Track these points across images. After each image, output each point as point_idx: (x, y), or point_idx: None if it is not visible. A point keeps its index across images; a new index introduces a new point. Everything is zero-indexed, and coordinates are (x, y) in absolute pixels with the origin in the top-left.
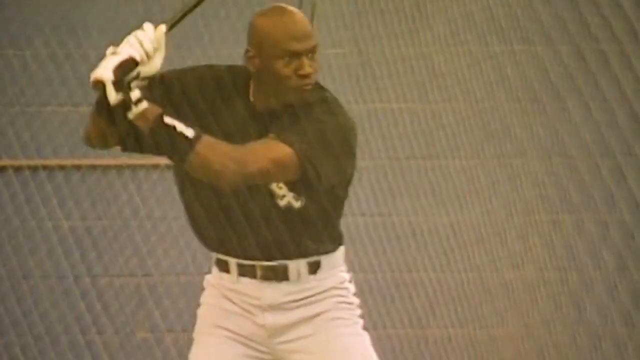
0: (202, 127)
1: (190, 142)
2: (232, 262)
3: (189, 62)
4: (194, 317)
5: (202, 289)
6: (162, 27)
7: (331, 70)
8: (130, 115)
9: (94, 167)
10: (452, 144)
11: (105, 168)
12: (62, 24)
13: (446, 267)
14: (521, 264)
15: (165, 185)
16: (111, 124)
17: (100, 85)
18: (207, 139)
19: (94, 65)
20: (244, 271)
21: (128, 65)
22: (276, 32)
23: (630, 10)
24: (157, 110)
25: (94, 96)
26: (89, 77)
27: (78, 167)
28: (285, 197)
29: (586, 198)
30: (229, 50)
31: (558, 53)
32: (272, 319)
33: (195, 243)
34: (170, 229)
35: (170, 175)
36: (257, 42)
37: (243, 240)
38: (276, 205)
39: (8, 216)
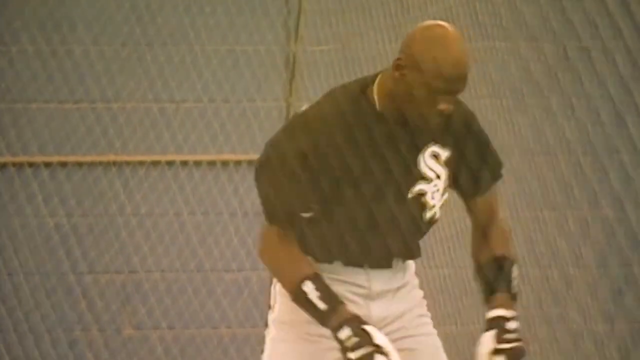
0: (363, 167)
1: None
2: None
3: (175, 59)
4: (180, 314)
5: (186, 286)
6: None
7: (317, 66)
8: None
9: (79, 164)
10: None
11: (91, 165)
12: (48, 20)
13: (427, 263)
14: None
15: (152, 182)
16: None
17: None
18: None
19: (79, 62)
20: (351, 261)
21: None
22: (440, 68)
23: (614, 7)
24: None
25: (79, 92)
26: (74, 74)
27: (64, 164)
28: (434, 208)
29: (568, 195)
30: (214, 47)
31: (540, 50)
32: (377, 309)
33: (181, 240)
34: (156, 225)
35: (156, 172)
36: (414, 61)
37: (386, 249)
38: (424, 218)
39: None
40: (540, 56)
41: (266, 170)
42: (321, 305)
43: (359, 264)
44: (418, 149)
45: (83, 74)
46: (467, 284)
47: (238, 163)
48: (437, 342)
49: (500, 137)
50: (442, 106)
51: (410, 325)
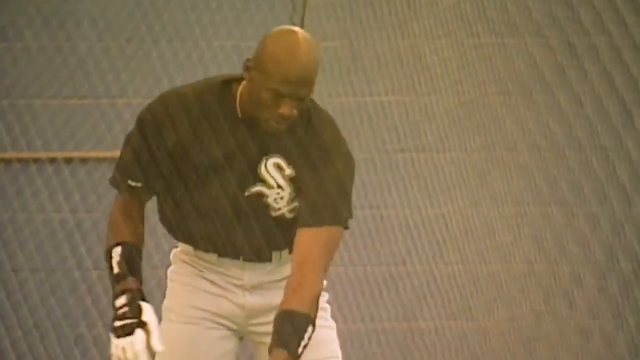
0: (202, 155)
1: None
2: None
3: (181, 55)
4: None
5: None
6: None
7: (322, 63)
8: None
9: (84, 160)
10: (442, 137)
11: (96, 161)
12: (52, 16)
13: (435, 259)
14: (510, 257)
15: None
16: None
17: None
18: (307, 314)
19: (84, 58)
20: (222, 252)
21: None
22: (279, 67)
23: (621, 3)
24: None
25: (83, 88)
26: (79, 70)
27: (68, 160)
28: (280, 210)
29: (576, 191)
30: (220, 42)
31: (548, 45)
32: (252, 299)
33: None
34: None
35: None
36: (260, 62)
37: (233, 240)
38: (268, 215)
39: None
40: (548, 52)
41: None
42: (116, 269)
43: (233, 256)
44: (262, 154)
45: (88, 70)
46: (478, 280)
47: None
48: (325, 336)
49: (508, 133)
50: (284, 109)
51: None
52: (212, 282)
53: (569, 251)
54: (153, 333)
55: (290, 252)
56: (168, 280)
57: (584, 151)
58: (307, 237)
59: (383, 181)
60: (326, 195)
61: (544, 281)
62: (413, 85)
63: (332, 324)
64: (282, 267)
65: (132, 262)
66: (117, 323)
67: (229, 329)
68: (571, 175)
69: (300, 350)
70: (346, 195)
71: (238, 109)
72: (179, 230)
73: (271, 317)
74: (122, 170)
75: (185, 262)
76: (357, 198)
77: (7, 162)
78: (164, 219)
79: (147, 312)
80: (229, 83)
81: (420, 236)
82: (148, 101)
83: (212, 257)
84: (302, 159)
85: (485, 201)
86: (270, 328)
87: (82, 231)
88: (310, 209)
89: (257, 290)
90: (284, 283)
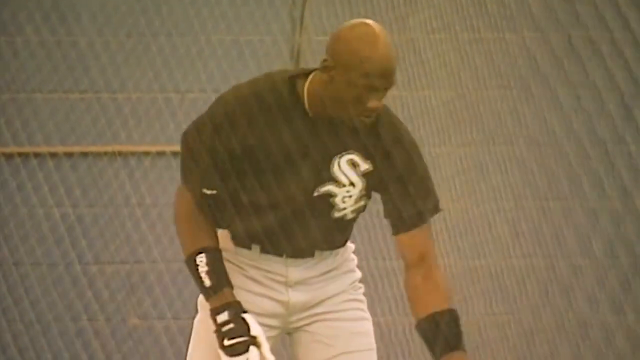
0: (272, 156)
1: None
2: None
3: (181, 50)
4: (185, 304)
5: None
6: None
7: (321, 57)
8: None
9: (85, 155)
10: (439, 131)
11: (97, 155)
12: (53, 11)
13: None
14: (509, 251)
15: (157, 173)
16: None
17: None
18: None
19: (84, 52)
20: (267, 249)
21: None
22: (368, 64)
23: None
24: None
25: (84, 83)
26: (79, 65)
27: (69, 155)
28: (345, 210)
29: (575, 185)
30: (219, 37)
31: (547, 40)
32: (295, 295)
33: None
34: (161, 216)
35: (161, 162)
36: (343, 60)
37: (288, 239)
38: (330, 215)
39: None
40: (547, 47)
41: (185, 139)
42: (207, 281)
43: (277, 253)
44: (335, 153)
45: (88, 64)
46: (473, 272)
47: None
48: (360, 328)
49: (507, 127)
50: (372, 104)
51: (335, 309)
52: (253, 279)
53: (567, 245)
54: (264, 346)
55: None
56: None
57: (583, 145)
58: (419, 237)
59: None
60: (419, 189)
61: (543, 275)
62: (411, 80)
63: (368, 315)
64: (323, 262)
65: (220, 270)
66: (228, 342)
67: (271, 327)
68: (570, 169)
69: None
70: (431, 182)
71: (307, 108)
72: (241, 234)
73: (315, 309)
74: (199, 178)
75: (225, 259)
76: None
77: (9, 156)
78: (228, 224)
79: (253, 325)
80: (293, 81)
81: None
82: (148, 95)
83: (255, 253)
84: (380, 151)
85: (483, 195)
86: (312, 319)
87: (83, 225)
88: (411, 208)
89: (300, 287)
90: (325, 277)
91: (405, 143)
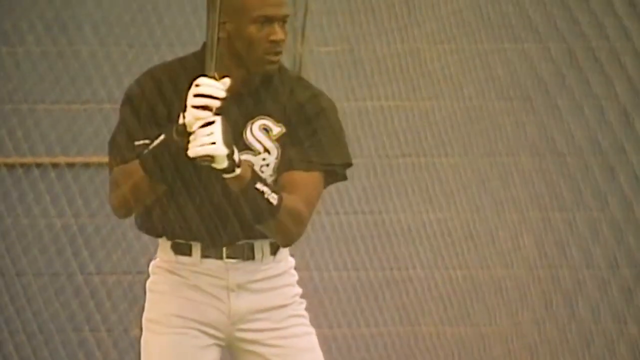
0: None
1: (273, 209)
2: (196, 244)
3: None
4: None
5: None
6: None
7: (323, 68)
8: (231, 176)
9: (87, 165)
10: (442, 142)
11: (99, 166)
12: (55, 21)
13: (436, 264)
14: (512, 262)
15: None
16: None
17: (209, 159)
18: (284, 204)
19: (86, 63)
20: (207, 252)
21: (225, 126)
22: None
23: (620, 7)
24: (248, 173)
25: (86, 93)
26: (81, 75)
27: (71, 165)
28: None
29: (577, 196)
30: None
31: (548, 51)
32: (237, 302)
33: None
34: None
35: None
36: (232, 8)
37: (210, 223)
38: None
39: (0, 214)
40: (547, 57)
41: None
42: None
43: (215, 255)
44: (246, 119)
45: (90, 75)
46: (478, 286)
47: None
48: (308, 344)
49: (509, 138)
50: (275, 35)
51: (280, 325)
52: (195, 287)
53: (570, 257)
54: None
55: (272, 250)
56: (148, 292)
57: (585, 157)
58: (298, 176)
59: (384, 186)
60: (312, 141)
61: (545, 287)
62: (414, 91)
63: (312, 330)
64: (266, 267)
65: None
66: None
67: (214, 337)
68: (572, 180)
69: (261, 184)
70: (343, 143)
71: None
72: (158, 220)
73: (258, 324)
74: (125, 139)
75: (167, 270)
76: (357, 203)
77: (10, 166)
78: (145, 215)
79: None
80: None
81: (421, 241)
82: None
83: (196, 259)
84: (288, 113)
85: (486, 206)
86: (257, 335)
87: (85, 235)
88: (302, 155)
89: (242, 293)
90: (269, 285)
91: (316, 102)
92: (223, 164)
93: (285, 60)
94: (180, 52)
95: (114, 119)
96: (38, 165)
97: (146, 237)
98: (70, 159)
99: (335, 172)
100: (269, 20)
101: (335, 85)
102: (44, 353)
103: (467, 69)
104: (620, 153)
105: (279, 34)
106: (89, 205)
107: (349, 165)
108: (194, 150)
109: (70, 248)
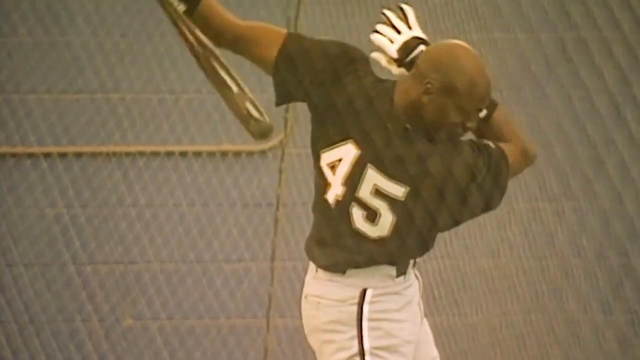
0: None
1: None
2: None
3: (175, 50)
4: (179, 304)
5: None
6: None
7: None
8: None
9: (79, 155)
10: None
11: (91, 156)
12: (46, 11)
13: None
14: (499, 252)
15: (151, 173)
16: None
17: None
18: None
19: (78, 53)
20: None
21: None
22: (474, 89)
23: None
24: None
25: (78, 83)
26: (73, 66)
27: (63, 155)
28: None
29: (565, 186)
30: None
31: (538, 41)
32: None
33: (181, 231)
34: (155, 216)
35: (156, 163)
36: (448, 81)
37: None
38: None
39: None
40: (537, 47)
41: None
42: None
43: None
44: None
45: (82, 65)
46: (465, 275)
47: (237, 154)
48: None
49: None
50: (470, 124)
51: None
52: (415, 307)
53: (558, 247)
54: None
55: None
56: (371, 322)
57: (573, 147)
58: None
59: None
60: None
61: (534, 277)
62: None
63: None
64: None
65: None
66: None
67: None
68: (560, 170)
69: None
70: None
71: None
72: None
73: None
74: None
75: (397, 293)
76: None
77: (2, 157)
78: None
79: None
80: (392, 88)
81: None
82: (142, 96)
83: (409, 277)
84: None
85: None
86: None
87: (76, 226)
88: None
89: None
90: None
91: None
92: None
93: None
94: (173, 43)
95: (106, 109)
96: (30, 155)
97: (139, 227)
98: (62, 149)
99: None
100: (478, 112)
101: None
102: (35, 343)
103: None
104: (609, 144)
105: (474, 124)
106: (81, 195)
107: None
108: None
109: (62, 238)
